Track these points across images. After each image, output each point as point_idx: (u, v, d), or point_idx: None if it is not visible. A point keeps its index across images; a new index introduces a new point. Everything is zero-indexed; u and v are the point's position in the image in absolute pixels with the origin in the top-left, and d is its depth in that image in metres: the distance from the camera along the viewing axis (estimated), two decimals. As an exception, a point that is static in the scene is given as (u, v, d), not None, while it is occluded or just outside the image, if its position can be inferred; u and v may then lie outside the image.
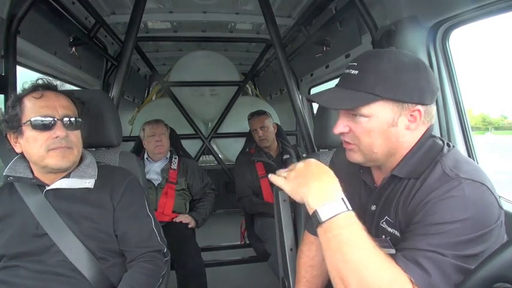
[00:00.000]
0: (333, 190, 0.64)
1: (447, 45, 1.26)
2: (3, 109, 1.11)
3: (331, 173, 0.67)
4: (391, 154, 0.72)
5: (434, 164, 0.68)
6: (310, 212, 0.64)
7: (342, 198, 0.64)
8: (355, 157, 0.74)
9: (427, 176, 0.67)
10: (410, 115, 0.69)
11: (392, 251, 0.67)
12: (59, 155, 0.93)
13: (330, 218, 0.61)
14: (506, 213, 0.66)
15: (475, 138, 1.28)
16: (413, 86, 0.67)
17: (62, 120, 0.93)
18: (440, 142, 0.72)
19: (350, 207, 0.63)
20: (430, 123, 0.72)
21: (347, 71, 0.72)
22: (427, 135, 0.72)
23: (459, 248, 0.60)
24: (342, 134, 0.74)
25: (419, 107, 0.69)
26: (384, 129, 0.69)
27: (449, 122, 1.26)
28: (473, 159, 1.25)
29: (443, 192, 0.63)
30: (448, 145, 0.73)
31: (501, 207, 0.64)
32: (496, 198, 0.63)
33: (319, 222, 0.62)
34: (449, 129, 1.26)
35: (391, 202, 0.72)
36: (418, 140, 0.72)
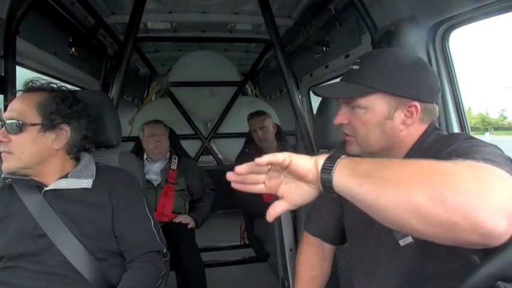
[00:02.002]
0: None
1: (447, 45, 1.26)
2: (2, 109, 1.11)
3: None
4: (388, 148, 0.73)
5: (444, 140, 0.69)
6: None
7: None
8: (353, 149, 0.76)
9: (439, 150, 0.66)
10: (407, 110, 0.70)
11: (410, 238, 0.68)
12: (3, 159, 0.94)
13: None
14: None
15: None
16: (409, 81, 0.69)
17: (4, 123, 0.93)
18: (445, 133, 0.74)
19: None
20: (431, 121, 0.74)
21: (350, 67, 0.75)
22: (430, 130, 0.73)
23: (499, 161, 0.54)
24: (341, 125, 0.76)
25: (416, 103, 0.70)
26: (379, 121, 0.70)
27: (448, 122, 1.26)
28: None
29: (461, 142, 0.62)
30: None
31: None
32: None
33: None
34: (449, 130, 1.26)
35: None
36: (421, 136, 0.73)
